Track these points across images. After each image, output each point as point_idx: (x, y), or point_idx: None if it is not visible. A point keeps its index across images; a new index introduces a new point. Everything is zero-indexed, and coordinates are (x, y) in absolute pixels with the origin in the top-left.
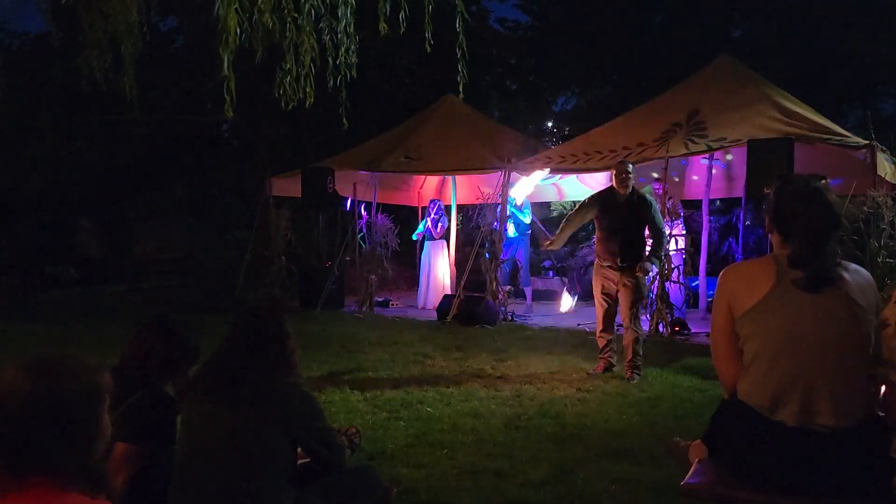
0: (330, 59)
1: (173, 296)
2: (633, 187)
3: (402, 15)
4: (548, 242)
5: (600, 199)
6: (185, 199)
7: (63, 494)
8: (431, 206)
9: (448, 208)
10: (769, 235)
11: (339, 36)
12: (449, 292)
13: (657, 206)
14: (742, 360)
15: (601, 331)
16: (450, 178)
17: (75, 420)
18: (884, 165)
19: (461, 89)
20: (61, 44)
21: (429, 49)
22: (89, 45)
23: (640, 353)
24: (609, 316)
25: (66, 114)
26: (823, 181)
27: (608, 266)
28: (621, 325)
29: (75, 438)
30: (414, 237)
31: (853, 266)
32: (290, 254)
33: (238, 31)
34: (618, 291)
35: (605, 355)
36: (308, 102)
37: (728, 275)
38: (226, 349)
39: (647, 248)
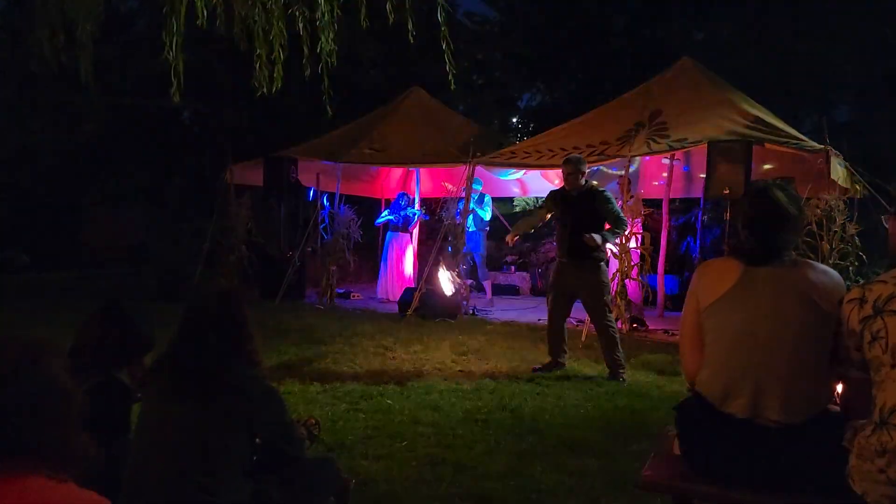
0: (306, 48)
1: (127, 283)
2: (587, 183)
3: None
4: (509, 237)
5: (554, 196)
6: (143, 186)
7: (22, 478)
8: (401, 198)
9: (412, 201)
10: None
11: (321, 23)
12: (411, 285)
13: (615, 200)
14: (704, 351)
15: (548, 327)
16: (414, 171)
17: (16, 400)
18: (837, 170)
19: (450, 80)
20: (10, 19)
21: (412, 39)
22: (40, 25)
23: (619, 352)
24: (557, 311)
25: (17, 93)
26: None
27: (561, 260)
28: (582, 321)
29: (23, 419)
30: (378, 222)
31: (822, 267)
32: (250, 243)
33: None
34: (576, 290)
35: (553, 352)
36: (275, 89)
37: (701, 269)
38: (179, 340)
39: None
